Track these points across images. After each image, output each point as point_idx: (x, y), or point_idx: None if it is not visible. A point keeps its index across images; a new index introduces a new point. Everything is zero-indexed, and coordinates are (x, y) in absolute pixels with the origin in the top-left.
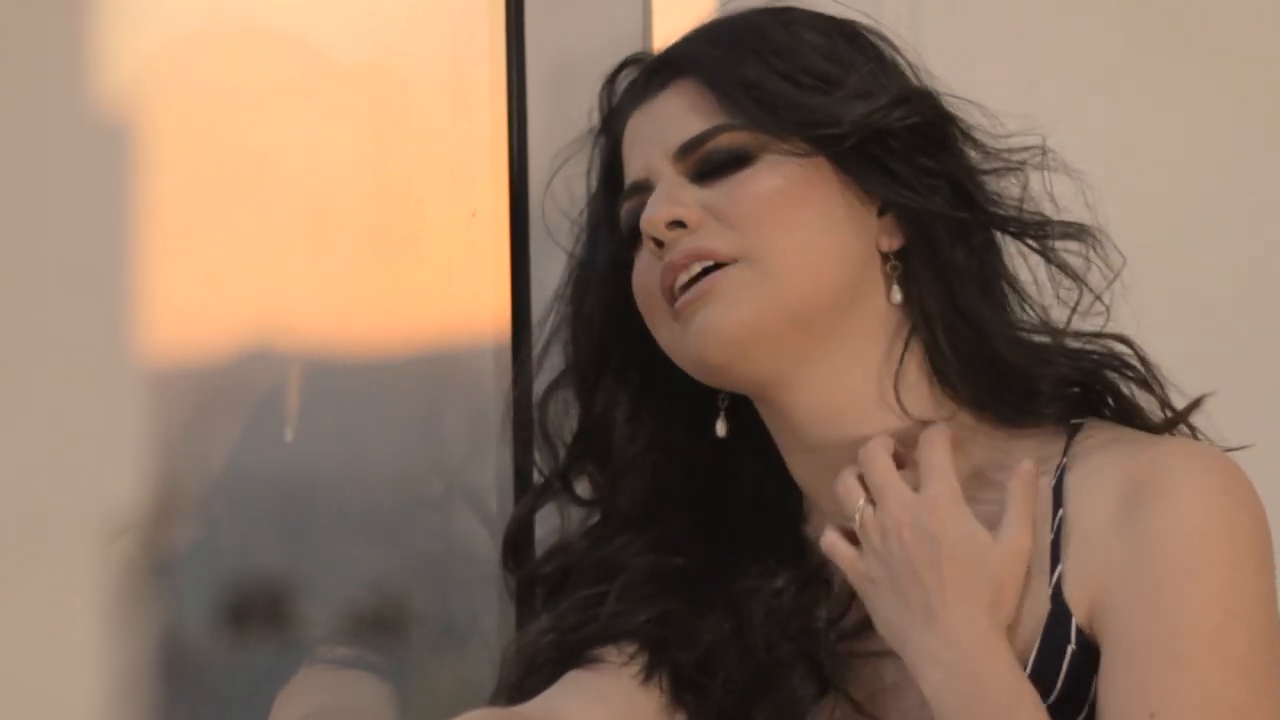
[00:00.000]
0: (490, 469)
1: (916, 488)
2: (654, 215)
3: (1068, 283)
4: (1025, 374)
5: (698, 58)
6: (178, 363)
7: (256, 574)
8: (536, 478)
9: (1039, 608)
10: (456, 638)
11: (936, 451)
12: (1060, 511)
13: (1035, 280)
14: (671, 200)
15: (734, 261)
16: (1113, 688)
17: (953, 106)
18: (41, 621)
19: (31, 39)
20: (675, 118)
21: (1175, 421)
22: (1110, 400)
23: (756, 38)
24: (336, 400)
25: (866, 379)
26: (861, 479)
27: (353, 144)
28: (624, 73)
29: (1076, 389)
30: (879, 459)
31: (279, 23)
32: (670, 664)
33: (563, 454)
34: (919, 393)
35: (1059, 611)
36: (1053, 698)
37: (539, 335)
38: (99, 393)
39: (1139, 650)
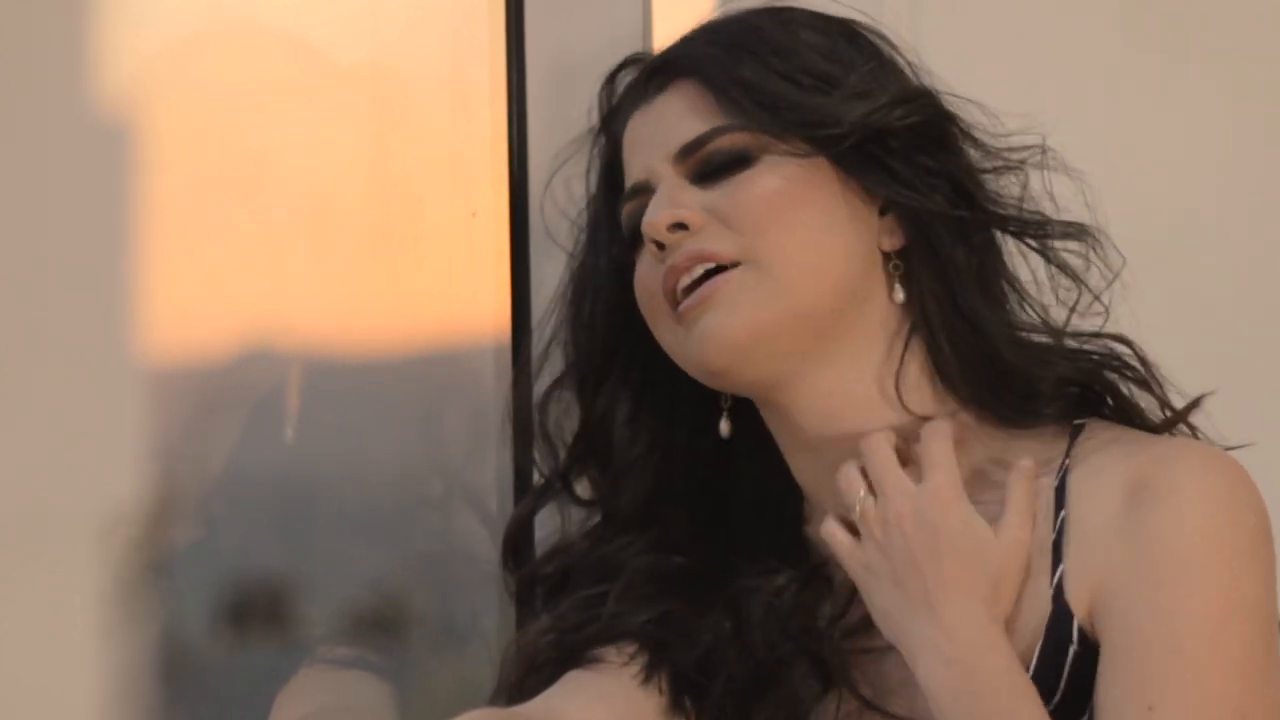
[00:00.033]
0: (490, 469)
1: (918, 483)
2: (655, 218)
3: (1067, 282)
4: (1025, 374)
5: (697, 59)
6: (178, 363)
7: (256, 574)
8: (536, 478)
9: (1041, 608)
10: (456, 638)
11: (939, 444)
12: (1062, 512)
13: (1035, 280)
14: (673, 203)
15: (736, 264)
16: (1111, 683)
17: (952, 105)
18: (41, 621)
19: (31, 39)
20: (675, 119)
21: (1175, 421)
22: (1110, 400)
23: (755, 38)
24: (336, 400)
25: (868, 379)
26: (863, 471)
27: (352, 144)
28: (623, 73)
29: (1076, 389)
30: (881, 451)
31: (279, 23)
32: (670, 664)
33: (563, 454)
34: (920, 392)
35: (1061, 611)
36: (1056, 699)
37: (539, 336)
38: (99, 393)
39: (1138, 646)
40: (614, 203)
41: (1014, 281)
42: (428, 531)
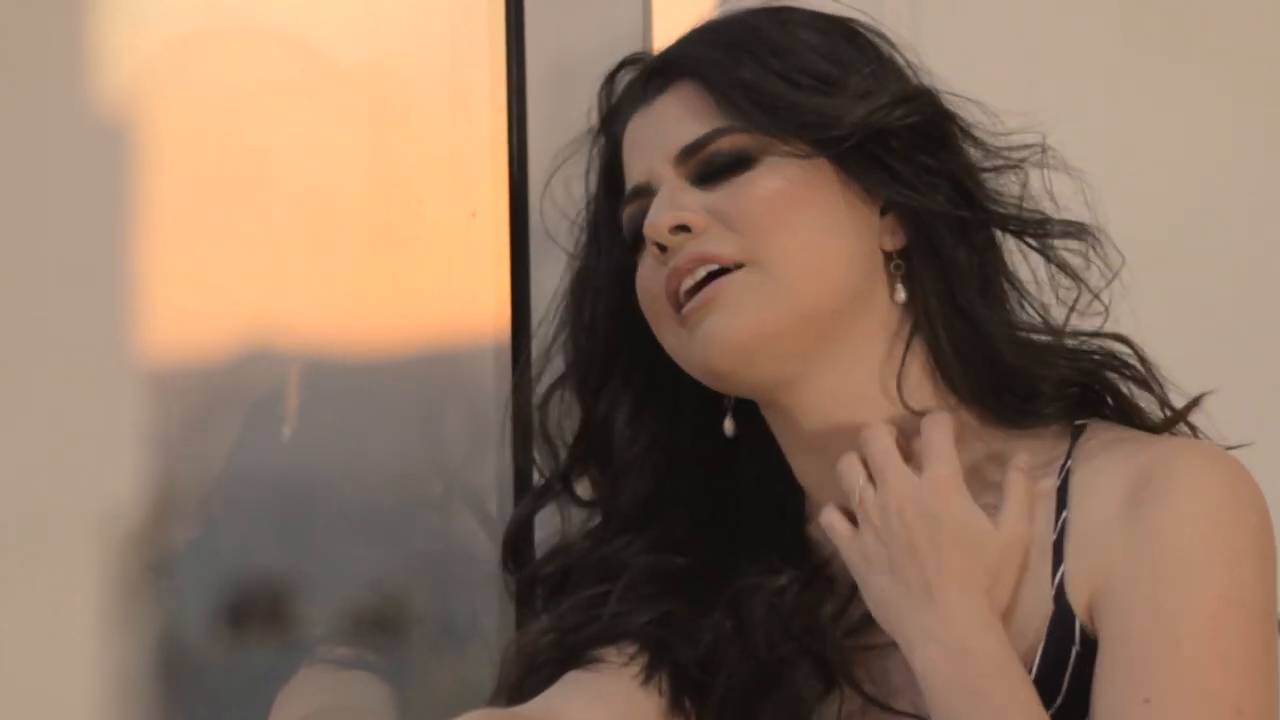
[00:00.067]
0: (490, 469)
1: (918, 475)
2: (658, 220)
3: (1067, 281)
4: (1026, 373)
5: (696, 59)
6: (178, 363)
7: (256, 574)
8: (536, 478)
9: (1042, 608)
10: (456, 638)
11: (940, 435)
12: (1064, 513)
13: (1035, 279)
14: (675, 205)
15: (739, 265)
16: (1108, 676)
17: (952, 105)
18: (41, 621)
19: (31, 39)
20: (675, 121)
21: (1174, 420)
22: (1110, 400)
23: (754, 38)
24: (336, 400)
25: (870, 379)
26: (864, 462)
27: (352, 144)
28: (623, 72)
29: (1076, 389)
30: (881, 440)
31: (279, 23)
32: (671, 664)
33: (563, 455)
34: (922, 391)
35: (1062, 611)
36: (1058, 701)
37: (540, 337)
38: (99, 393)
39: (1136, 641)
40: (614, 204)
41: (1014, 280)
42: (428, 531)
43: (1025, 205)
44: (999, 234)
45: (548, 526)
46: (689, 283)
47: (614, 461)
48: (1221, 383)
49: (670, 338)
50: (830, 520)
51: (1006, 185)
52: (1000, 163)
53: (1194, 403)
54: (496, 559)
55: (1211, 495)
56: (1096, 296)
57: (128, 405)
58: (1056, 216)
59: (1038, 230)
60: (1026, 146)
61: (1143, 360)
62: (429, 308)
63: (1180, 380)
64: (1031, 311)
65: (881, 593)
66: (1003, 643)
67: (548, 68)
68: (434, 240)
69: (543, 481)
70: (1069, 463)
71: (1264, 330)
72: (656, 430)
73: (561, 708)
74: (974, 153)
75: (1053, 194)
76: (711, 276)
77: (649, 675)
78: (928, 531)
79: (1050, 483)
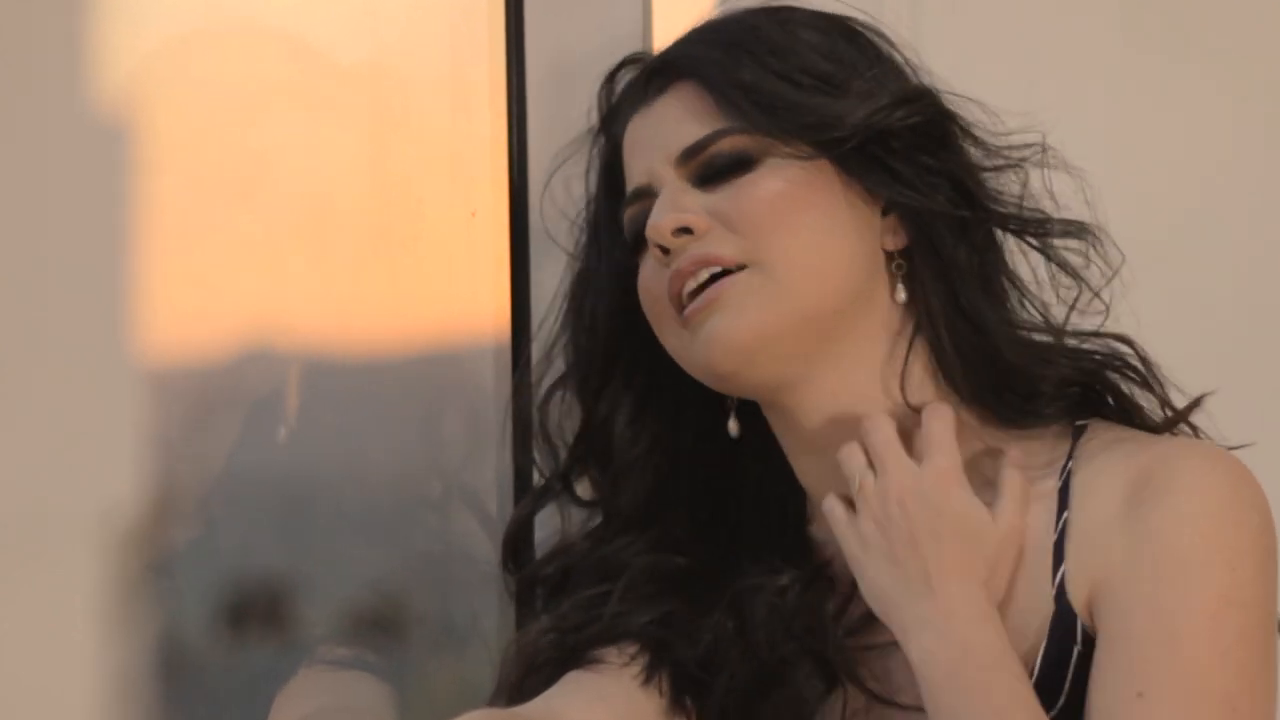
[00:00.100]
0: (490, 469)
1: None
2: (660, 223)
3: (1068, 280)
4: (1026, 372)
5: (696, 60)
6: (177, 363)
7: (256, 574)
8: (536, 479)
9: (1043, 607)
10: (456, 638)
11: (940, 426)
12: (1065, 513)
13: (1035, 278)
14: (677, 207)
15: (741, 267)
16: (1103, 670)
17: (952, 104)
18: (41, 621)
19: (31, 39)
20: (675, 122)
21: (1176, 421)
22: (1111, 400)
23: (753, 38)
24: (336, 400)
25: (872, 379)
26: (865, 450)
27: (352, 144)
28: (623, 72)
29: (1077, 389)
30: (883, 429)
31: (279, 23)
32: (671, 664)
33: (563, 455)
34: (923, 391)
35: (1063, 612)
36: (1060, 702)
37: (540, 337)
38: (99, 393)
39: (1133, 637)
40: (614, 205)
41: (1015, 279)
42: (427, 532)
43: (1025, 204)
44: (999, 233)
45: (548, 527)
46: (692, 285)
47: (614, 462)
48: (1222, 382)
49: (672, 339)
50: (830, 505)
51: (1007, 185)
52: (1001, 162)
53: (1195, 403)
54: (496, 559)
55: (1213, 495)
56: (1096, 295)
57: (128, 405)
58: (1057, 216)
59: (1038, 229)
60: (1027, 146)
61: (1144, 360)
62: (429, 308)
63: (1181, 380)
64: (1032, 310)
65: (878, 580)
66: (1000, 635)
67: (548, 68)
68: (434, 240)
69: (543, 482)
70: (1070, 463)
71: (1264, 330)
72: (658, 431)
73: (562, 708)
74: (974, 152)
75: (1053, 193)
76: (714, 278)
77: (649, 675)
78: (928, 522)
79: (1052, 483)
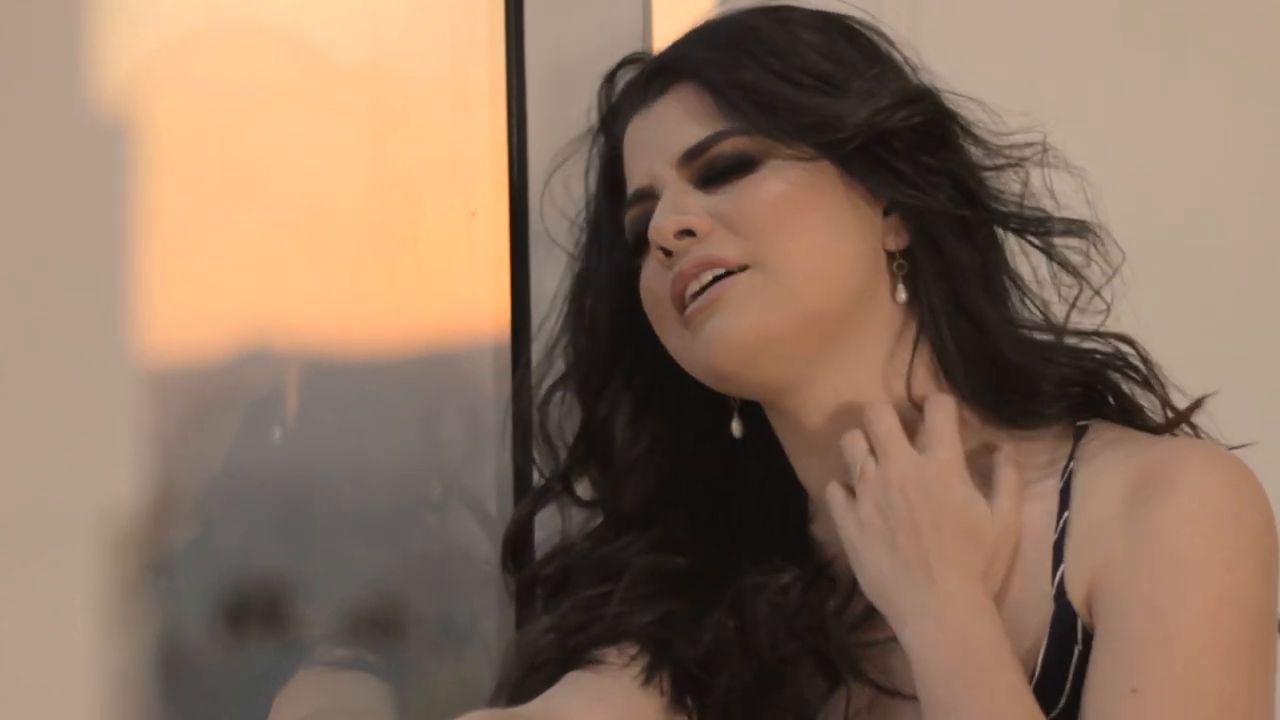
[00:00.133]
0: (489, 470)
1: None
2: (662, 225)
3: (1068, 279)
4: (1028, 372)
5: (696, 61)
6: (177, 363)
7: (256, 574)
8: (536, 479)
9: (1043, 607)
10: (456, 638)
11: (943, 418)
12: (1066, 513)
13: (1036, 277)
14: (678, 209)
15: (743, 267)
16: (1099, 668)
17: (953, 104)
18: (41, 621)
19: (31, 39)
20: (676, 124)
21: (1177, 421)
22: (1112, 400)
23: (753, 38)
24: (336, 400)
25: (874, 379)
26: (867, 438)
27: (352, 144)
28: (622, 72)
29: (1078, 389)
30: (885, 417)
31: (279, 23)
32: (672, 664)
33: (564, 455)
34: (925, 391)
35: (1063, 612)
36: (1061, 702)
37: (540, 337)
38: (99, 393)
39: (1130, 634)
40: (615, 205)
41: (1016, 278)
42: (427, 532)
43: (1026, 203)
44: (1000, 232)
45: (548, 527)
46: (694, 287)
47: (615, 462)
48: (1223, 382)
49: (674, 339)
50: (832, 490)
51: (1007, 184)
52: (1001, 161)
53: (1196, 404)
54: (496, 559)
55: (1213, 495)
56: (1097, 293)
57: (128, 405)
58: (1057, 214)
59: (1039, 228)
60: (1027, 145)
61: (1145, 360)
62: (429, 308)
63: (1181, 380)
64: (1034, 309)
65: (875, 566)
66: (999, 629)
67: (548, 68)
68: (434, 240)
69: (543, 482)
70: (1071, 464)
71: (1264, 330)
72: (659, 431)
73: (562, 708)
74: (975, 152)
75: (1053, 192)
76: (716, 280)
77: (650, 676)
78: (930, 512)
79: (1053, 483)
